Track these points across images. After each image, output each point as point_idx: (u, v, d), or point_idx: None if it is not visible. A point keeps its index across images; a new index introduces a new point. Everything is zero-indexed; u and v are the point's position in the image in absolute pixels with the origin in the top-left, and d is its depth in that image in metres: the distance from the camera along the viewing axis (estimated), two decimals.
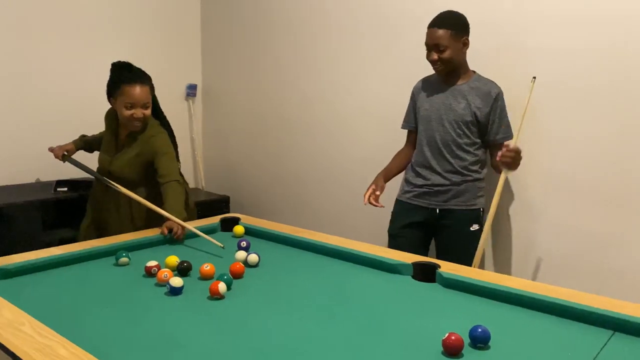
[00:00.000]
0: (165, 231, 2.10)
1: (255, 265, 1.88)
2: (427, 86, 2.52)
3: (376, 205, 2.39)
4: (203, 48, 4.09)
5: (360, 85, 3.17)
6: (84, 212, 2.60)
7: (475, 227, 2.42)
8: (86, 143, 2.71)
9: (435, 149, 2.44)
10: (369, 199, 2.40)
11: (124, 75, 2.34)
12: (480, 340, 1.30)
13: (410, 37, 2.83)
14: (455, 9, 2.38)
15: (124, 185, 2.34)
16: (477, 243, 2.29)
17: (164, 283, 1.65)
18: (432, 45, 2.33)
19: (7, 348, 1.21)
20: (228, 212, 3.58)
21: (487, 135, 2.40)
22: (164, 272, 1.68)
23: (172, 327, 1.39)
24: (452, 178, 2.41)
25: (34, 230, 2.85)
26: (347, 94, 3.24)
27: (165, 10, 3.84)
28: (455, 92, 2.40)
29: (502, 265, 2.67)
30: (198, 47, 4.09)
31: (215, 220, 2.38)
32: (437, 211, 2.45)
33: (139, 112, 2.32)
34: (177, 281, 1.61)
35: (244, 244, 2.02)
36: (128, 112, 2.31)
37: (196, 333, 1.36)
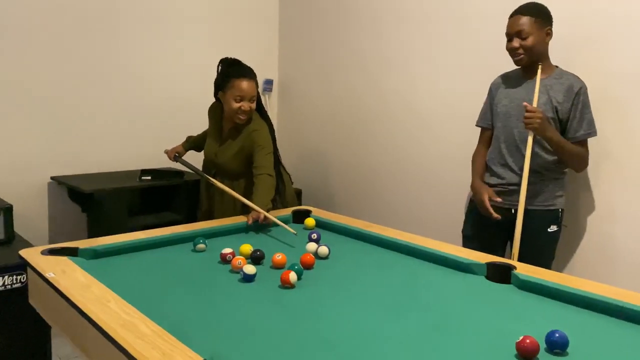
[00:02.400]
0: (250, 221, 2.20)
1: (326, 258, 1.90)
2: (507, 81, 2.43)
3: (496, 202, 2.33)
4: (280, 44, 4.17)
5: (438, 81, 3.11)
6: (166, 200, 2.75)
7: (553, 228, 2.31)
8: (193, 143, 2.94)
9: (512, 146, 2.35)
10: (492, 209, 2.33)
11: (234, 70, 2.48)
12: (557, 345, 1.24)
13: (490, 31, 2.74)
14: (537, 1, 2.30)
15: (228, 174, 2.59)
16: (555, 245, 2.18)
17: (237, 270, 1.71)
18: (513, 33, 2.26)
19: (95, 322, 1.30)
20: (300, 204, 3.63)
21: (567, 132, 2.28)
22: (238, 260, 1.74)
23: (244, 313, 1.43)
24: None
25: (121, 216, 3.03)
26: (425, 90, 3.19)
27: (244, 6, 3.94)
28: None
29: (580, 268, 2.53)
30: (275, 42, 4.17)
31: (287, 211, 2.43)
32: (513, 211, 2.36)
33: (246, 105, 2.45)
34: (250, 269, 1.66)
35: (314, 236, 2.05)
36: (236, 105, 2.44)
37: (267, 319, 1.39)
